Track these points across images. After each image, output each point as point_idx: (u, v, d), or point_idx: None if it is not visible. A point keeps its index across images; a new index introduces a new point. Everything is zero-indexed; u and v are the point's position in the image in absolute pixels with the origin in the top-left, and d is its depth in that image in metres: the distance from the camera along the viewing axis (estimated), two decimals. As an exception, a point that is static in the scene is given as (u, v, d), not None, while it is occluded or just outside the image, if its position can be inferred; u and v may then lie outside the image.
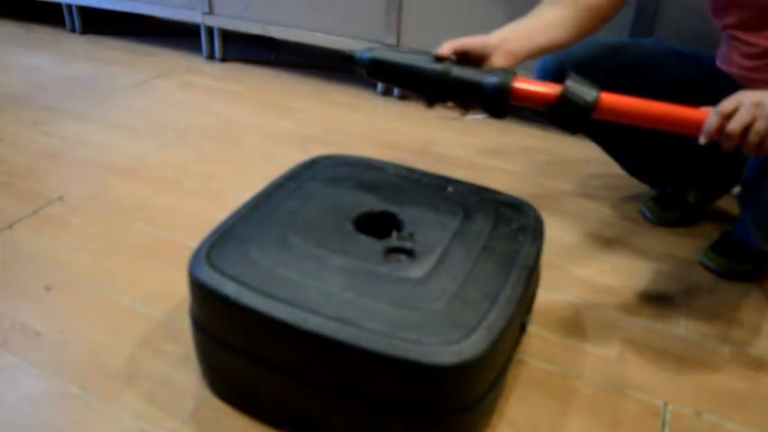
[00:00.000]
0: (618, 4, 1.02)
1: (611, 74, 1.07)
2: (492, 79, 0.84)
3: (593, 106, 0.82)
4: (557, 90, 0.83)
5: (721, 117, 0.78)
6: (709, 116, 0.79)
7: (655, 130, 0.84)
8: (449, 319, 0.72)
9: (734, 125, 0.77)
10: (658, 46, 1.21)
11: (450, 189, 1.00)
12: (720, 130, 0.78)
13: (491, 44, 0.90)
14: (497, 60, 0.89)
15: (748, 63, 1.07)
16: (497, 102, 0.84)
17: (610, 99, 0.82)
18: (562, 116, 0.84)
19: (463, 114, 0.90)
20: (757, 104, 0.77)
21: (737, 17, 1.06)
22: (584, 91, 0.82)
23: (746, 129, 0.77)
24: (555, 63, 1.13)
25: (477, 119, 1.91)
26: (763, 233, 1.01)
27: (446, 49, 0.87)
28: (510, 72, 0.84)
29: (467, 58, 0.88)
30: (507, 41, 0.90)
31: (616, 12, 1.03)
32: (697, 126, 0.80)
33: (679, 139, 0.86)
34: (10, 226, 1.25)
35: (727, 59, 1.12)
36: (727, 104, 0.79)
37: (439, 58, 0.86)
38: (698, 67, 1.17)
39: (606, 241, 1.30)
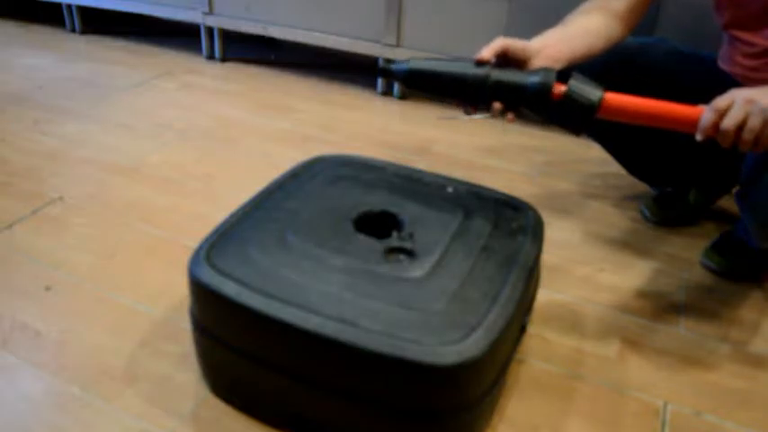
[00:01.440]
0: (643, 10, 1.04)
1: (616, 73, 1.07)
2: (535, 79, 0.83)
3: (597, 106, 0.82)
4: (560, 90, 0.83)
5: (716, 114, 0.79)
6: (704, 113, 0.80)
7: (656, 129, 0.84)
8: (449, 320, 0.72)
9: (728, 122, 0.78)
10: (661, 45, 1.21)
11: (450, 189, 1.00)
12: (715, 127, 0.79)
13: (532, 48, 0.89)
14: (537, 65, 0.89)
15: (749, 63, 1.07)
16: (541, 101, 0.84)
17: (614, 99, 0.82)
18: (566, 116, 0.84)
19: (511, 120, 0.88)
20: (750, 101, 0.77)
21: (734, 16, 1.06)
22: (588, 91, 0.82)
23: (741, 126, 0.78)
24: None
25: (477, 119, 1.91)
26: (761, 231, 1.01)
27: (487, 52, 0.86)
28: (552, 71, 0.84)
29: (507, 61, 0.88)
30: (548, 47, 0.91)
31: (642, 18, 1.05)
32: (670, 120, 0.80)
33: (679, 139, 0.86)
34: (10, 226, 1.25)
35: (728, 59, 1.12)
36: (720, 102, 0.79)
37: (479, 63, 0.85)
38: (700, 66, 1.17)
39: (606, 241, 1.30)
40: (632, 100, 0.83)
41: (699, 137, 0.80)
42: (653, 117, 0.82)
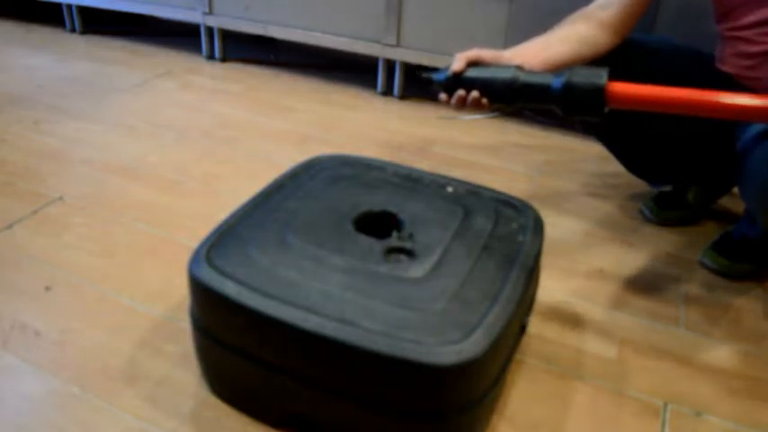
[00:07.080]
0: (633, 20, 1.06)
1: (619, 69, 1.07)
2: (560, 78, 0.85)
3: (603, 88, 0.82)
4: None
5: None
6: None
7: (657, 128, 0.84)
8: (449, 320, 0.72)
9: None
10: (664, 43, 1.21)
11: (450, 189, 1.00)
12: None
13: (504, 57, 0.92)
14: None
15: (744, 62, 1.07)
16: (568, 101, 0.85)
17: (619, 86, 0.83)
18: (571, 103, 0.84)
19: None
20: None
21: (731, 27, 1.07)
22: (592, 74, 0.83)
23: None
24: None
25: (476, 119, 1.91)
26: (759, 206, 0.99)
27: (459, 62, 0.89)
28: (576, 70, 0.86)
29: None
30: (521, 55, 0.93)
31: (632, 28, 1.07)
32: (706, 107, 0.80)
33: (680, 138, 0.86)
34: (10, 226, 1.25)
35: (724, 59, 1.12)
36: None
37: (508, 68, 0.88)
38: (700, 66, 1.17)
39: (606, 241, 1.30)
40: (637, 86, 0.83)
41: None
42: (667, 103, 0.82)
